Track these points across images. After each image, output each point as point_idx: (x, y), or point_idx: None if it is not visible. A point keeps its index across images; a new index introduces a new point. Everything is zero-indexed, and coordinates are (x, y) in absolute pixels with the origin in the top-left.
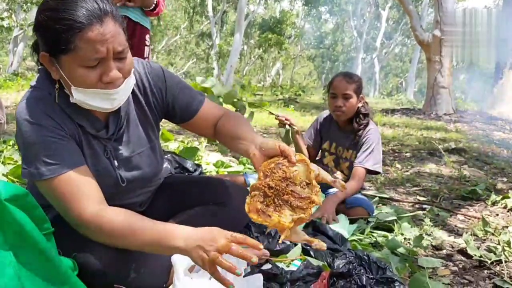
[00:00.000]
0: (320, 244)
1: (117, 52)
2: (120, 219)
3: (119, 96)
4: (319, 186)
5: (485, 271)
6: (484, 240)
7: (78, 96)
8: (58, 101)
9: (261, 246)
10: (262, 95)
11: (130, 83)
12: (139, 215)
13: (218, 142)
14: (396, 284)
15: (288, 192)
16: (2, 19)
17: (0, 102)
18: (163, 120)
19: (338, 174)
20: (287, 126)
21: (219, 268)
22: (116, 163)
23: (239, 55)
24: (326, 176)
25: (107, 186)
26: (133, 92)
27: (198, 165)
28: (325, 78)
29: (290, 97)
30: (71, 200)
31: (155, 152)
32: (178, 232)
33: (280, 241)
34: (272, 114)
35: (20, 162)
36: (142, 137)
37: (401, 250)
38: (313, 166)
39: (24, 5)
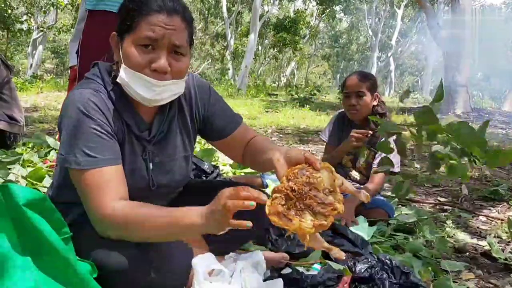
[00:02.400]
0: (339, 253)
1: (173, 45)
2: (135, 209)
3: (161, 91)
4: (342, 195)
5: (511, 275)
6: (509, 242)
7: (124, 75)
8: (117, 80)
9: (265, 198)
10: (277, 95)
11: (177, 88)
12: (152, 204)
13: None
14: None
15: (311, 197)
16: (21, 22)
17: (19, 104)
18: None
19: (355, 174)
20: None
21: None
22: (151, 166)
23: (254, 55)
24: (350, 187)
25: (138, 188)
26: (179, 100)
27: (215, 167)
28: (340, 77)
29: (305, 97)
30: (96, 195)
31: (187, 162)
32: (193, 210)
33: (305, 248)
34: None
35: (39, 165)
36: (179, 145)
37: (423, 253)
38: (337, 175)
39: (43, 8)
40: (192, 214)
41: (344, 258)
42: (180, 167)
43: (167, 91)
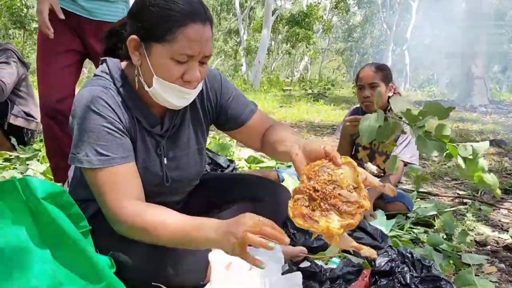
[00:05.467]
0: (370, 251)
1: (204, 57)
2: (152, 214)
3: (190, 97)
4: (366, 190)
5: None
6: None
7: (157, 86)
8: (137, 87)
9: (287, 240)
10: (290, 90)
11: (200, 87)
12: (171, 210)
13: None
14: (442, 283)
15: (336, 196)
16: (37, 21)
17: (36, 101)
18: None
19: (372, 167)
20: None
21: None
22: (165, 161)
23: (267, 50)
24: (374, 180)
25: (152, 184)
26: None
27: (231, 161)
28: (354, 71)
29: (319, 92)
30: (111, 194)
31: (201, 154)
32: (209, 224)
33: (328, 250)
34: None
35: None
36: (192, 138)
37: (443, 246)
38: (360, 169)
39: None
40: (208, 227)
41: (376, 256)
42: (194, 160)
43: (194, 94)
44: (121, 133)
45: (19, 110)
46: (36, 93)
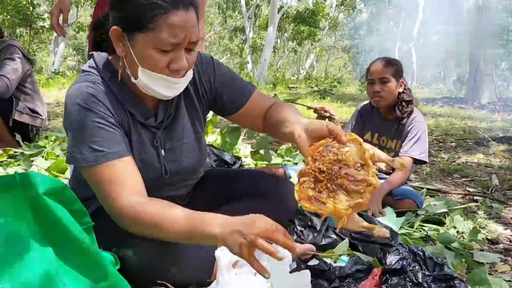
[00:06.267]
0: (382, 230)
1: (191, 43)
2: (155, 208)
3: (180, 86)
4: (374, 168)
5: None
6: None
7: (144, 77)
8: (119, 78)
9: (298, 251)
10: (297, 87)
11: (190, 75)
12: (174, 204)
13: (265, 135)
14: (456, 281)
15: (342, 176)
16: (44, 19)
17: (41, 97)
18: None
19: (382, 165)
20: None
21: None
22: (163, 152)
23: (273, 48)
24: (382, 155)
25: (151, 177)
26: None
27: (237, 158)
28: (360, 69)
29: (325, 89)
30: (111, 190)
31: (200, 144)
32: (215, 219)
33: (337, 230)
34: (310, 108)
35: (61, 157)
36: (188, 127)
37: (455, 244)
38: (367, 146)
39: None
40: (214, 222)
41: (388, 235)
42: (193, 150)
43: (184, 83)
44: (114, 127)
45: (24, 107)
46: (41, 90)
